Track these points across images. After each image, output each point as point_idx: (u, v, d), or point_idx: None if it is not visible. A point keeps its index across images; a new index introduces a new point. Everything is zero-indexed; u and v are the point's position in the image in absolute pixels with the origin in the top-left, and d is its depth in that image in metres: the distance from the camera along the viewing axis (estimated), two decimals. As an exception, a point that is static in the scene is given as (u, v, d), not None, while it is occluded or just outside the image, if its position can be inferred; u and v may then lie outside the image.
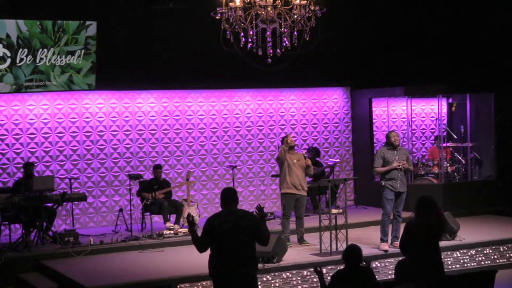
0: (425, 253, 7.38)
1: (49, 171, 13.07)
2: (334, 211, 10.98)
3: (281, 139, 12.87)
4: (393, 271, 7.86)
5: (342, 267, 7.52)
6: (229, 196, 7.07)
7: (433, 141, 15.97)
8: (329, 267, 10.01)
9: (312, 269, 10.12)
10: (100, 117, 13.56)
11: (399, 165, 10.88)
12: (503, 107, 14.90)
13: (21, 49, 12.14)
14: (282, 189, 11.37)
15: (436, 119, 15.36)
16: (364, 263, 7.35)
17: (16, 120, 12.95)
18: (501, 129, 14.90)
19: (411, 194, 12.29)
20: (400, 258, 9.57)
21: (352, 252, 7.27)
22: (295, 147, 11.92)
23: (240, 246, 6.86)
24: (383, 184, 10.92)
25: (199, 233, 7.06)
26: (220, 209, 7.14)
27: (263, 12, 8.53)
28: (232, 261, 6.84)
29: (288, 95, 15.10)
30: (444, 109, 15.75)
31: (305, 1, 8.71)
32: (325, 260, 10.26)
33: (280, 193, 11.59)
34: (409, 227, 7.56)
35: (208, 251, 7.05)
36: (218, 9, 8.76)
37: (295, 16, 8.69)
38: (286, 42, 8.81)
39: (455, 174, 14.68)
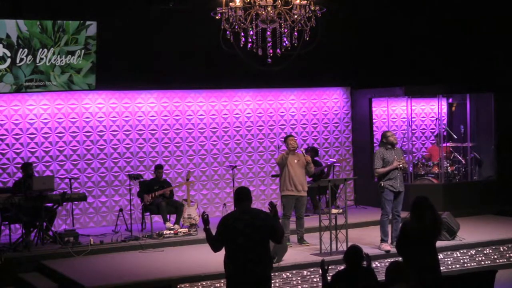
0: (420, 254, 7.37)
1: (49, 171, 13.07)
2: (334, 211, 10.98)
3: (281, 139, 12.90)
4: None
5: (342, 267, 7.50)
6: (242, 195, 7.05)
7: (433, 141, 15.96)
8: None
9: (312, 269, 10.14)
10: (100, 117, 13.56)
11: (399, 164, 10.90)
12: (503, 107, 14.90)
13: (21, 49, 12.14)
14: (283, 191, 11.37)
15: (436, 119, 15.36)
16: (366, 260, 7.33)
17: (16, 120, 12.95)
18: (501, 129, 14.90)
19: (411, 194, 12.28)
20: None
21: (353, 253, 7.26)
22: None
23: (255, 245, 6.85)
24: (382, 185, 10.91)
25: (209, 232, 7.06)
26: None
27: (263, 12, 8.53)
28: (246, 261, 6.83)
29: (288, 95, 15.10)
30: (444, 109, 15.75)
31: (305, 1, 8.71)
32: (325, 260, 10.24)
33: (280, 193, 11.59)
34: (405, 228, 7.55)
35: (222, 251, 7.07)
36: (218, 9, 8.76)
37: (295, 16, 8.69)
38: (286, 42, 8.81)
39: (455, 174, 14.68)
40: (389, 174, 10.89)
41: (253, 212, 7.02)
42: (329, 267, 7.25)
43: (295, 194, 11.29)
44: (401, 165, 10.92)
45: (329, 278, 7.37)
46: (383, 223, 10.99)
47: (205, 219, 7.01)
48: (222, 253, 7.10)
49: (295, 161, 11.32)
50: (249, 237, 6.83)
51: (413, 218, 7.46)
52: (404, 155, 12.00)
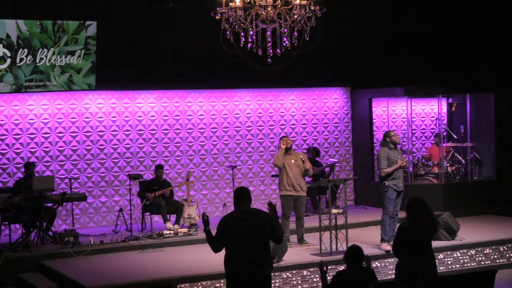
0: (418, 254, 7.37)
1: (49, 171, 13.07)
2: (334, 211, 10.98)
3: (280, 139, 12.84)
4: (393, 271, 7.84)
5: (342, 267, 7.50)
6: (242, 195, 7.08)
7: (433, 141, 15.95)
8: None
9: (312, 269, 10.14)
10: (100, 117, 13.56)
11: (403, 163, 10.94)
12: (503, 107, 14.90)
13: (21, 49, 12.14)
14: (281, 191, 11.38)
15: (436, 119, 15.35)
16: (365, 262, 7.33)
17: (16, 120, 12.96)
18: (501, 129, 14.90)
19: (411, 194, 12.27)
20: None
21: (354, 253, 7.25)
22: (293, 146, 11.91)
23: (254, 245, 6.87)
24: (386, 184, 10.90)
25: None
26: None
27: (263, 12, 8.53)
28: (247, 261, 6.85)
29: (288, 95, 15.10)
30: (444, 109, 15.75)
31: (305, 1, 8.71)
32: (325, 260, 10.24)
33: (279, 194, 11.59)
34: (403, 229, 7.55)
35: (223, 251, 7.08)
36: (218, 9, 8.76)
37: (295, 16, 8.69)
38: (286, 42, 8.81)
39: (455, 174, 14.67)
40: (393, 173, 10.91)
41: (253, 212, 7.03)
42: (328, 268, 7.24)
43: (293, 194, 11.30)
44: (404, 164, 10.97)
45: (328, 278, 7.36)
46: (384, 222, 10.98)
47: (205, 220, 7.03)
48: (222, 253, 7.11)
49: (292, 161, 11.32)
50: (248, 237, 6.85)
51: (412, 219, 7.47)
52: (403, 155, 12.04)
